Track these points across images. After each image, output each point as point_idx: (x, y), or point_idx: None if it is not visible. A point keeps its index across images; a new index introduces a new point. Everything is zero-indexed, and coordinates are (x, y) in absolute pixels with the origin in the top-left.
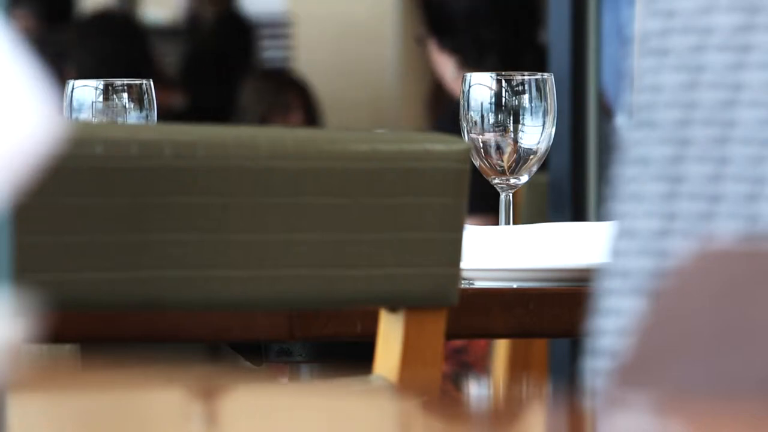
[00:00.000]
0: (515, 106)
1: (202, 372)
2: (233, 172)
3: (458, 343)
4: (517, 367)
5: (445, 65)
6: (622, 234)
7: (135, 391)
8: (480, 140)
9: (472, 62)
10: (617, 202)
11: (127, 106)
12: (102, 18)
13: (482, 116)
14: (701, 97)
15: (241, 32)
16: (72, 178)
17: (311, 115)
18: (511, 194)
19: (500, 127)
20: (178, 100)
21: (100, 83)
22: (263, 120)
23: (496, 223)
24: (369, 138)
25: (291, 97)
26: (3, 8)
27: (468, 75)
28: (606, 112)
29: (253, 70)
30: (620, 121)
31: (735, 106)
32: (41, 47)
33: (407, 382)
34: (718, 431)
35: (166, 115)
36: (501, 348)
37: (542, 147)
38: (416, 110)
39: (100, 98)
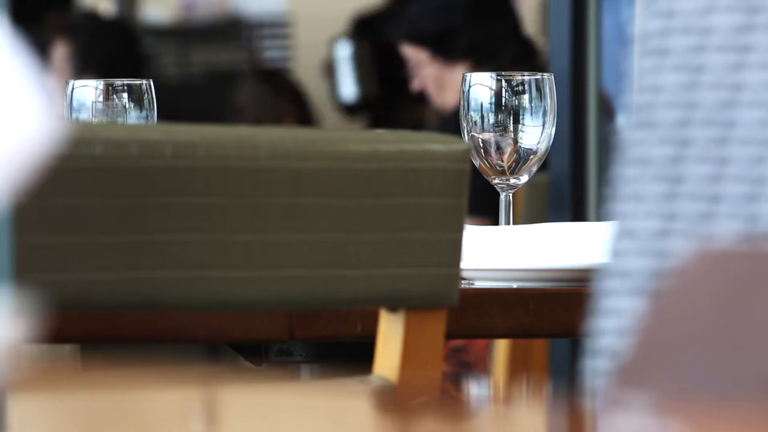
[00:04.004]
0: (515, 106)
1: (202, 372)
2: (233, 172)
3: (458, 342)
4: (517, 367)
5: (458, 78)
6: (622, 234)
7: (135, 391)
8: (480, 140)
9: (487, 58)
10: (617, 203)
11: (127, 106)
12: (99, 18)
13: (482, 116)
14: (701, 97)
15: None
16: (72, 178)
17: (304, 123)
18: (511, 194)
19: (500, 127)
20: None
21: (100, 83)
22: (258, 122)
23: (495, 224)
24: (369, 138)
25: (284, 101)
26: (3, 8)
27: (468, 75)
28: (607, 112)
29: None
30: (621, 121)
31: (735, 107)
32: (43, 47)
33: (407, 382)
34: (718, 431)
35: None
36: (501, 348)
37: (542, 147)
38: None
39: (100, 98)
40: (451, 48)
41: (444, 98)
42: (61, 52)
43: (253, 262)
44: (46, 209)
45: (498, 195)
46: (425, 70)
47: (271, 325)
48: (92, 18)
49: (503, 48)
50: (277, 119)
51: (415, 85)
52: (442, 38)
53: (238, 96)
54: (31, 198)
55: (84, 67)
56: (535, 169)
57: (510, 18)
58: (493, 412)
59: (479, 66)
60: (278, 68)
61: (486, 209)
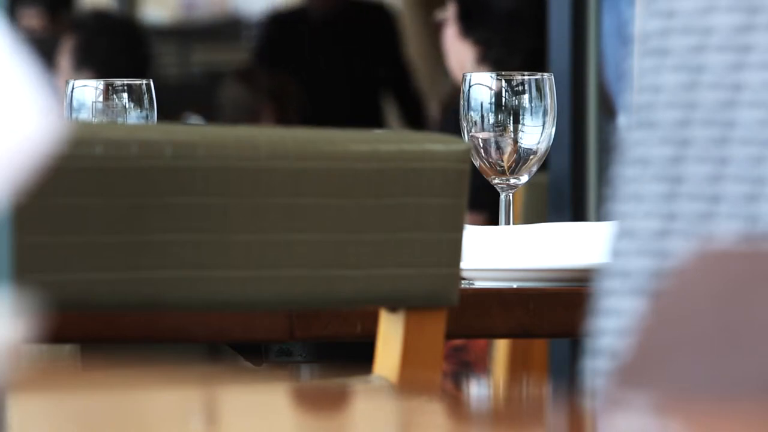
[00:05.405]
0: (515, 106)
1: (202, 372)
2: (233, 172)
3: (458, 341)
4: (517, 367)
5: (464, 54)
6: (622, 234)
7: (135, 391)
8: (480, 140)
9: (493, 59)
10: (617, 203)
11: (127, 106)
12: (101, 18)
13: (482, 116)
14: (701, 97)
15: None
16: (72, 178)
17: (282, 122)
18: (511, 194)
19: (500, 126)
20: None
21: (100, 83)
22: (235, 122)
23: (493, 219)
24: (369, 138)
25: (262, 100)
26: (3, 8)
27: (468, 75)
28: (609, 112)
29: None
30: (621, 121)
31: (735, 107)
32: (44, 47)
33: (407, 382)
34: (718, 431)
35: None
36: (501, 348)
37: (542, 147)
38: None
39: (100, 98)
40: (470, 27)
41: (447, 61)
42: (66, 50)
43: (253, 262)
44: (46, 209)
45: (496, 191)
46: (448, 27)
47: (271, 325)
48: (98, 16)
49: (513, 64)
50: (254, 118)
51: (441, 34)
52: (469, 12)
53: (221, 92)
54: (31, 198)
55: (86, 64)
56: (535, 169)
57: (535, 44)
58: (492, 412)
59: (484, 60)
60: (255, 67)
61: (484, 205)
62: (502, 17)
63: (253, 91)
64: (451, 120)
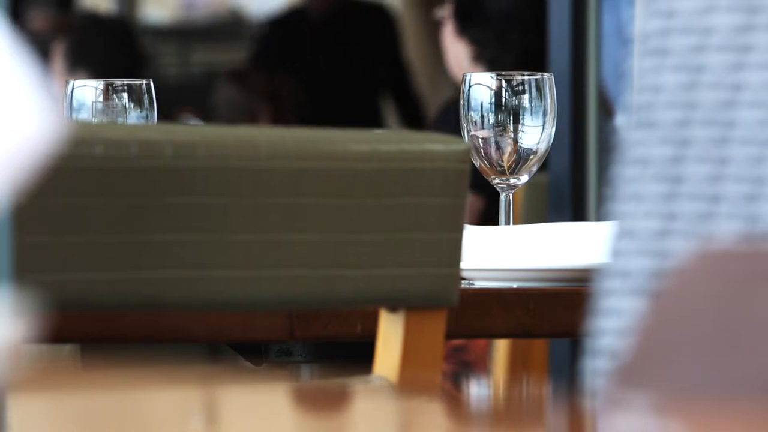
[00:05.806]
0: (515, 105)
1: (202, 372)
2: (233, 172)
3: (458, 341)
4: (517, 367)
5: (460, 52)
6: (622, 234)
7: (135, 391)
8: (480, 140)
9: (488, 58)
10: (617, 203)
11: (127, 106)
12: (96, 16)
13: (482, 116)
14: (701, 97)
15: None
16: (72, 178)
17: (278, 122)
18: (511, 194)
19: (500, 126)
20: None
21: (100, 83)
22: (231, 123)
23: (490, 204)
24: (369, 138)
25: (257, 101)
26: (3, 8)
27: (468, 75)
28: (608, 112)
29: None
30: (620, 120)
31: (735, 107)
32: (44, 47)
33: (407, 382)
34: (717, 431)
35: None
36: (501, 348)
37: (542, 147)
38: None
39: (100, 98)
40: (466, 26)
41: (445, 57)
42: (60, 51)
43: (253, 262)
44: (46, 209)
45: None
46: (446, 25)
47: (271, 325)
48: (89, 16)
49: (508, 63)
50: (250, 119)
51: (439, 32)
52: (466, 12)
53: (214, 96)
54: (31, 198)
55: (79, 65)
56: (535, 169)
57: (534, 45)
58: (492, 412)
59: (479, 59)
60: (249, 67)
61: (483, 188)
62: (497, 17)
63: (247, 92)
64: (450, 119)
